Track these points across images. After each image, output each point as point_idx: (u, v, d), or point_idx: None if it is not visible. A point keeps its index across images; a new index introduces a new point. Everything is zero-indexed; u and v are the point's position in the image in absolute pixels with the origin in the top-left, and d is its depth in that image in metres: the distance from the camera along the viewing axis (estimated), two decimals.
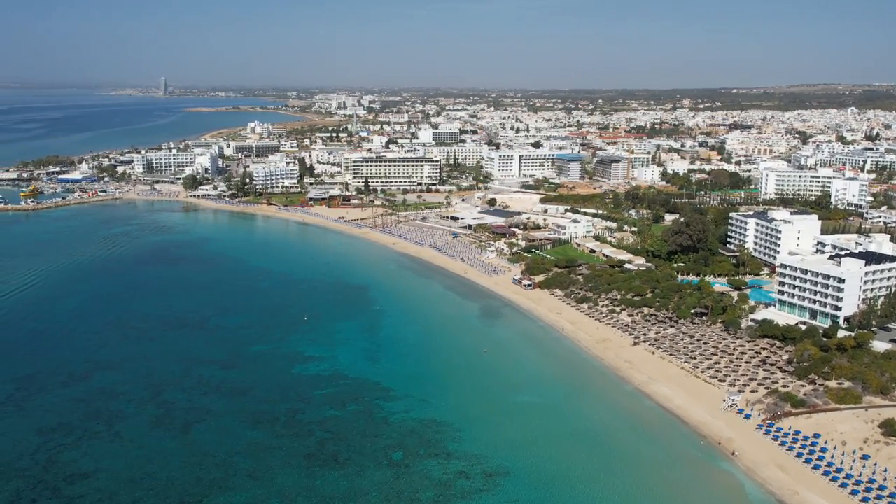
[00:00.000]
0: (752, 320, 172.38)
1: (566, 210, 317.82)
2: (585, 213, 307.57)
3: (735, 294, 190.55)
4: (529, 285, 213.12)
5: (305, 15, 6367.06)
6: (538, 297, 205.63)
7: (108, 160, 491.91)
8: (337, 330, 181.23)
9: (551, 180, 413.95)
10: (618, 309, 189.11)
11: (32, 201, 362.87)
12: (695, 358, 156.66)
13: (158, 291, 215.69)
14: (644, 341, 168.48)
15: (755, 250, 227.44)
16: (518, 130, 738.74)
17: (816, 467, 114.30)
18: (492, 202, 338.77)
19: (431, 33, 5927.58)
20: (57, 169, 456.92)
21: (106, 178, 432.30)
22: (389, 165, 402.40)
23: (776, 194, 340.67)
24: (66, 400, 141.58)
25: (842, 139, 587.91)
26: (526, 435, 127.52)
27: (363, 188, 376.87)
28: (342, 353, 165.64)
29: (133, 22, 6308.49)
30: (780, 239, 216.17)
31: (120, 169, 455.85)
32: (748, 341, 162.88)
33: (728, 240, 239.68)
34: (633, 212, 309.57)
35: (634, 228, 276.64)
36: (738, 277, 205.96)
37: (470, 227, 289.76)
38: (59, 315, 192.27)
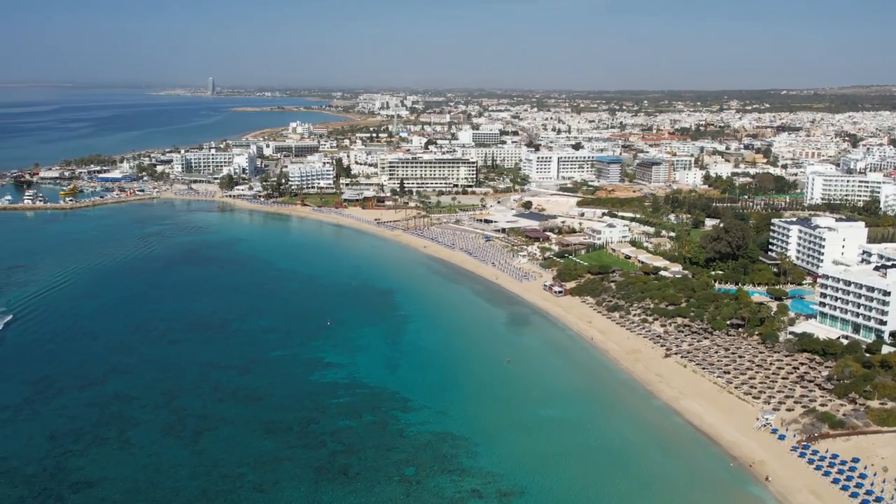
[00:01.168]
0: (791, 333, 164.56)
1: (603, 214, 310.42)
2: (623, 218, 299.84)
3: (774, 305, 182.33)
4: (560, 292, 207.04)
5: (353, 16, 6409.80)
6: (568, 304, 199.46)
7: (148, 159, 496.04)
8: (359, 335, 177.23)
9: (590, 183, 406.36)
10: (650, 318, 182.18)
11: (71, 200, 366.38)
12: (728, 372, 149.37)
13: (184, 293, 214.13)
14: (676, 353, 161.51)
15: (798, 258, 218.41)
16: (559, 132, 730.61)
17: (854, 495, 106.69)
18: (527, 205, 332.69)
19: (478, 34, 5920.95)
20: (98, 168, 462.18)
21: (145, 178, 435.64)
22: (425, 167, 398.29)
23: (823, 199, 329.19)
24: (80, 404, 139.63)
25: (894, 143, 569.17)
26: (545, 452, 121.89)
27: (398, 189, 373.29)
28: (362, 360, 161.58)
29: (183, 23, 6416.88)
30: (823, 247, 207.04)
31: (159, 168, 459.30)
32: (786, 356, 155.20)
33: (770, 247, 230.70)
34: (672, 216, 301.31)
35: (672, 234, 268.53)
36: (778, 287, 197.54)
37: (503, 230, 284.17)
38: (82, 316, 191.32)
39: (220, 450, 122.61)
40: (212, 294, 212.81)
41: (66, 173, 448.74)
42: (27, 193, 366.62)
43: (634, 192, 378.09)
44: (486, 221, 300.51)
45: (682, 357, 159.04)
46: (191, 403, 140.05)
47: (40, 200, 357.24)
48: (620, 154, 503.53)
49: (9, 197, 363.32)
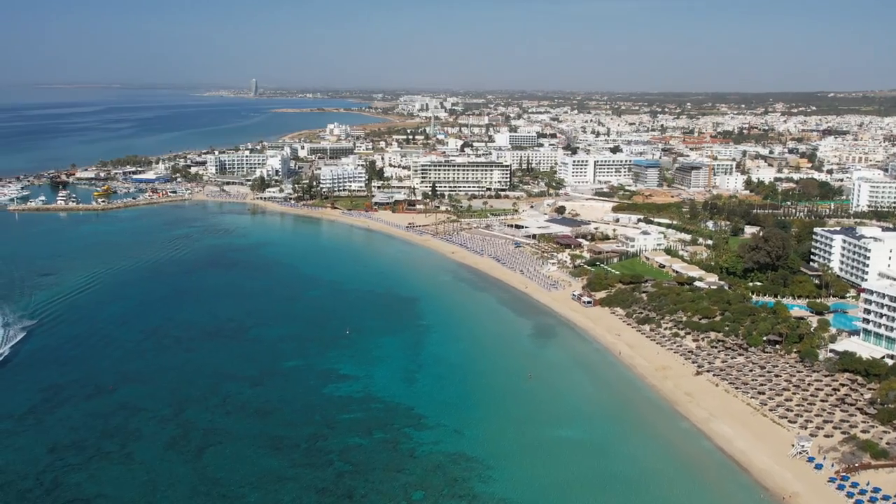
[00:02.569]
0: (831, 351, 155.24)
1: (639, 220, 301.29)
2: (659, 224, 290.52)
3: (815, 320, 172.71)
4: (589, 302, 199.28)
5: (395, 17, 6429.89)
6: (597, 315, 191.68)
7: (183, 161, 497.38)
8: (378, 346, 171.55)
9: (627, 187, 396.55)
10: (682, 332, 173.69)
11: (103, 201, 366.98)
12: (763, 393, 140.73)
13: (205, 298, 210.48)
14: (708, 371, 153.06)
15: (841, 270, 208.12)
16: (598, 134, 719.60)
17: None
18: (560, 210, 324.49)
19: (520, 35, 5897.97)
20: (133, 169, 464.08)
21: (178, 179, 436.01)
22: (458, 170, 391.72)
23: (869, 207, 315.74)
24: (86, 414, 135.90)
25: None
26: (563, 478, 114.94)
27: (430, 193, 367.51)
28: (378, 373, 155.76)
29: (229, 25, 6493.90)
30: (868, 259, 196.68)
31: (193, 170, 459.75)
32: (825, 375, 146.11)
33: (811, 257, 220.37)
34: (710, 223, 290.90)
35: (710, 241, 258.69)
36: (819, 300, 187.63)
37: (533, 236, 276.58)
38: (101, 321, 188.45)
39: (223, 467, 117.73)
40: (233, 299, 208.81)
41: (102, 174, 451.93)
42: (60, 194, 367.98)
43: (672, 197, 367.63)
44: (517, 227, 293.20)
45: (714, 375, 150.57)
46: (198, 416, 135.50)
47: (73, 201, 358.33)
48: (660, 158, 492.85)
49: (42, 197, 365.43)
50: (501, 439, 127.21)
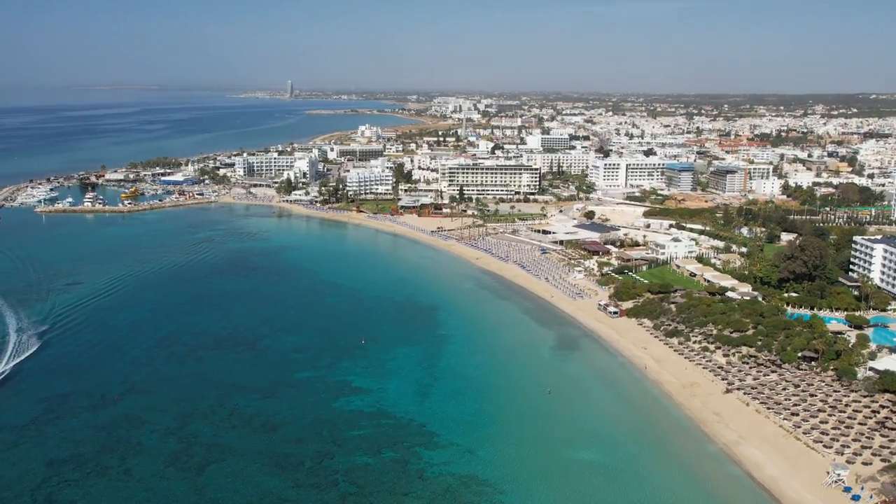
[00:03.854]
0: (871, 369, 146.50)
1: (670, 225, 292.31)
2: (691, 230, 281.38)
3: (853, 335, 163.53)
4: (615, 313, 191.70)
5: (432, 19, 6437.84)
6: (623, 326, 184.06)
7: (212, 162, 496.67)
8: (393, 357, 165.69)
9: (659, 192, 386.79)
10: (712, 346, 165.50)
11: (130, 203, 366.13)
12: (797, 414, 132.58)
13: (222, 304, 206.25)
14: (738, 388, 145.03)
15: (882, 281, 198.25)
16: (632, 137, 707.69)
17: None
18: (590, 215, 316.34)
19: (556, 37, 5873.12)
20: (162, 171, 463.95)
21: (206, 181, 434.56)
22: (486, 173, 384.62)
23: None
24: (88, 426, 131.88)
25: None
26: None
27: (458, 196, 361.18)
28: (392, 386, 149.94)
29: (266, 27, 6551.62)
30: None
31: (222, 171, 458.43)
32: (864, 396, 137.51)
33: (851, 267, 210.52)
34: (744, 230, 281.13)
35: (744, 249, 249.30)
36: (858, 314, 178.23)
37: (560, 242, 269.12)
38: (115, 327, 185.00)
39: (223, 486, 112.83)
40: (250, 306, 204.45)
41: (131, 175, 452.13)
42: (87, 196, 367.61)
43: (706, 202, 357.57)
44: (544, 232, 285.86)
45: (744, 393, 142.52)
46: (202, 430, 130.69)
47: (100, 203, 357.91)
48: (694, 161, 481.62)
49: (70, 199, 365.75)
50: (516, 461, 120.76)
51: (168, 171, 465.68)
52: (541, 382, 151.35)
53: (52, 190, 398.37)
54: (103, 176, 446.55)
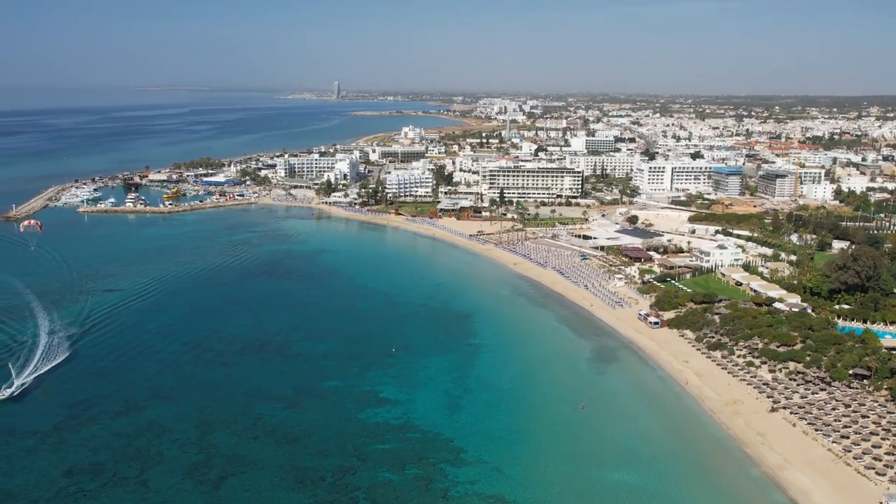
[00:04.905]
0: None
1: (717, 231, 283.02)
2: (738, 236, 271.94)
3: None
4: (656, 323, 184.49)
5: (478, 20, 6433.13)
6: (664, 338, 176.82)
7: (254, 163, 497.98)
8: (423, 366, 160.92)
9: (706, 196, 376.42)
10: (757, 361, 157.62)
11: (171, 203, 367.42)
12: (847, 437, 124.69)
13: (254, 309, 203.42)
14: (785, 407, 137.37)
15: None
16: (679, 139, 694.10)
17: None
18: (633, 219, 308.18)
19: (603, 38, 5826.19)
20: (204, 171, 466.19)
21: (247, 182, 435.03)
22: (528, 176, 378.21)
23: None
24: (110, 434, 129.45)
25: None
26: None
27: (498, 199, 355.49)
28: (420, 398, 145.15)
29: (315, 28, 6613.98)
30: None
31: (263, 173, 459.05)
32: None
33: None
34: (794, 237, 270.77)
35: (793, 257, 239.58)
36: None
37: (601, 248, 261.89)
38: (146, 331, 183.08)
39: (240, 500, 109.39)
40: (281, 311, 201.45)
41: (174, 176, 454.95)
42: (129, 196, 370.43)
43: (754, 207, 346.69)
44: (585, 237, 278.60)
45: (790, 413, 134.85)
46: (223, 440, 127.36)
47: (141, 203, 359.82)
48: (743, 164, 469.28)
49: (112, 199, 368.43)
50: (545, 481, 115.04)
51: (210, 171, 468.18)
52: (575, 396, 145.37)
53: (95, 190, 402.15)
54: (147, 176, 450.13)
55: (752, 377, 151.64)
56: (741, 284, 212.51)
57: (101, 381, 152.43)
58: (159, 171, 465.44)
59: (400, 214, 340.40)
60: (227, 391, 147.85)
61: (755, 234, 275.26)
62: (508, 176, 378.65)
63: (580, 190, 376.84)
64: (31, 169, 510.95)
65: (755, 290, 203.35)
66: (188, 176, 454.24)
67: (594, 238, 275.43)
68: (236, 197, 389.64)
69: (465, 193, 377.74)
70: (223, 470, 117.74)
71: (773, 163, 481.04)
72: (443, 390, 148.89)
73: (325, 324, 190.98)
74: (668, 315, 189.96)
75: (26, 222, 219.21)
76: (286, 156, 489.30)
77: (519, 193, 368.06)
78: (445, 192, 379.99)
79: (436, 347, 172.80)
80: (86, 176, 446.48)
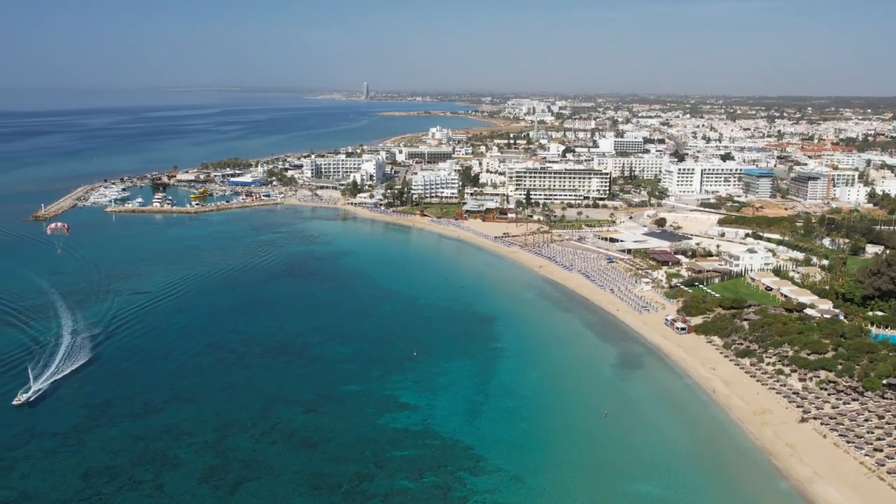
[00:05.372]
0: None
1: (746, 235, 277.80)
2: (769, 240, 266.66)
3: None
4: (683, 329, 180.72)
5: (507, 20, 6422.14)
6: (691, 344, 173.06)
7: (281, 164, 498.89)
8: (445, 371, 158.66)
9: (736, 198, 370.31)
10: (787, 369, 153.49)
11: (197, 203, 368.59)
12: (881, 450, 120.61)
13: (276, 310, 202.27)
14: (815, 418, 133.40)
15: None
16: (709, 140, 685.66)
17: None
18: (661, 222, 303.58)
19: (634, 37, 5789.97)
20: (231, 172, 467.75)
21: (274, 182, 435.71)
22: (554, 177, 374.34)
23: None
24: (128, 436, 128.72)
25: None
26: None
27: (524, 201, 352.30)
28: (441, 403, 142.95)
29: (344, 29, 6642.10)
30: None
31: (290, 173, 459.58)
32: None
33: None
34: (826, 241, 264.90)
35: (825, 262, 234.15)
36: None
37: (628, 251, 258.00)
38: (167, 332, 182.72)
39: None
40: (303, 312, 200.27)
41: (202, 176, 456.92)
42: (157, 196, 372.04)
43: (786, 210, 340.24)
44: (612, 240, 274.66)
45: (821, 424, 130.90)
46: (241, 445, 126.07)
47: (168, 203, 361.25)
48: (774, 166, 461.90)
49: (140, 199, 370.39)
50: (566, 491, 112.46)
51: (238, 172, 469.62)
52: (599, 404, 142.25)
53: (124, 190, 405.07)
54: (175, 176, 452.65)
55: (781, 386, 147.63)
56: (771, 289, 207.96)
57: (122, 382, 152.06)
58: (187, 171, 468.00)
59: (425, 216, 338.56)
60: (246, 394, 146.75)
61: (786, 238, 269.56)
62: (535, 177, 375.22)
63: (608, 192, 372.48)
64: (61, 168, 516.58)
65: (786, 296, 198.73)
66: (215, 176, 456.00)
67: (621, 241, 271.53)
68: (262, 197, 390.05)
69: (491, 195, 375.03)
70: (239, 475, 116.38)
71: (806, 165, 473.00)
72: (464, 396, 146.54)
73: (348, 326, 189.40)
74: (696, 320, 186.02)
75: (53, 225, 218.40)
76: (313, 156, 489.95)
77: (545, 195, 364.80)
78: (471, 194, 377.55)
79: (458, 351, 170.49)
80: (115, 175, 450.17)
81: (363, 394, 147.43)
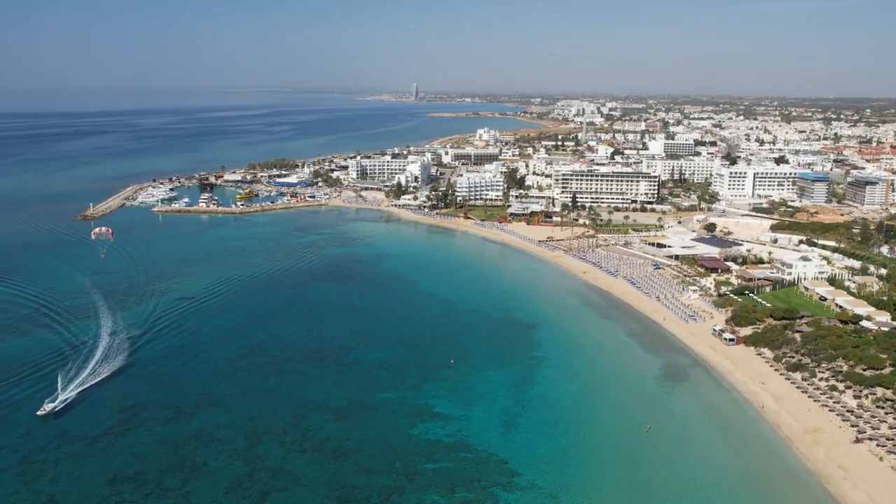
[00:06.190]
0: None
1: (800, 241, 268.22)
2: (823, 247, 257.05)
3: None
4: (731, 340, 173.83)
5: (557, 22, 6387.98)
6: (740, 356, 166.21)
7: (327, 165, 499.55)
8: (482, 380, 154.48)
9: (789, 203, 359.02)
10: (841, 385, 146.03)
11: (242, 204, 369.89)
12: None
13: (314, 314, 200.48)
14: (871, 438, 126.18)
15: None
16: (763, 143, 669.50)
17: None
18: (710, 227, 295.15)
19: (687, 38, 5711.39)
20: (277, 172, 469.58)
21: (319, 183, 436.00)
22: (601, 180, 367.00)
23: None
24: (157, 441, 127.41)
25: None
26: None
27: (570, 204, 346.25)
28: (476, 414, 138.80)
29: (395, 30, 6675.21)
30: None
31: (335, 174, 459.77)
32: None
33: None
34: (884, 248, 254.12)
35: (884, 271, 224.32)
36: None
37: (676, 257, 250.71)
38: (204, 334, 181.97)
39: None
40: (340, 317, 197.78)
41: (248, 176, 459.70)
42: (203, 196, 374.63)
43: (842, 215, 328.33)
44: (659, 245, 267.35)
45: (878, 445, 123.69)
46: (271, 452, 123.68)
47: (214, 203, 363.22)
48: (830, 170, 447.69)
49: (186, 199, 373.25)
50: None
51: (284, 172, 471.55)
52: (640, 418, 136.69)
53: (171, 190, 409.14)
54: (222, 176, 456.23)
55: (834, 403, 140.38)
56: (825, 300, 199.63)
57: (156, 385, 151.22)
58: (234, 172, 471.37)
59: (469, 218, 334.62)
60: (278, 400, 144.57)
61: (842, 245, 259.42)
62: (581, 180, 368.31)
63: (656, 195, 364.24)
64: (113, 168, 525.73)
65: (841, 307, 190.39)
66: (262, 176, 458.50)
67: (669, 246, 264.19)
68: (307, 198, 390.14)
69: (537, 197, 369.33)
70: (267, 485, 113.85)
71: (863, 169, 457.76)
72: (500, 407, 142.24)
73: (384, 331, 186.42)
74: (745, 331, 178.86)
75: (98, 230, 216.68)
76: (358, 157, 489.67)
77: (592, 198, 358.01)
78: (516, 196, 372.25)
79: (496, 360, 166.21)
80: (164, 175, 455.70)
81: (397, 402, 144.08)
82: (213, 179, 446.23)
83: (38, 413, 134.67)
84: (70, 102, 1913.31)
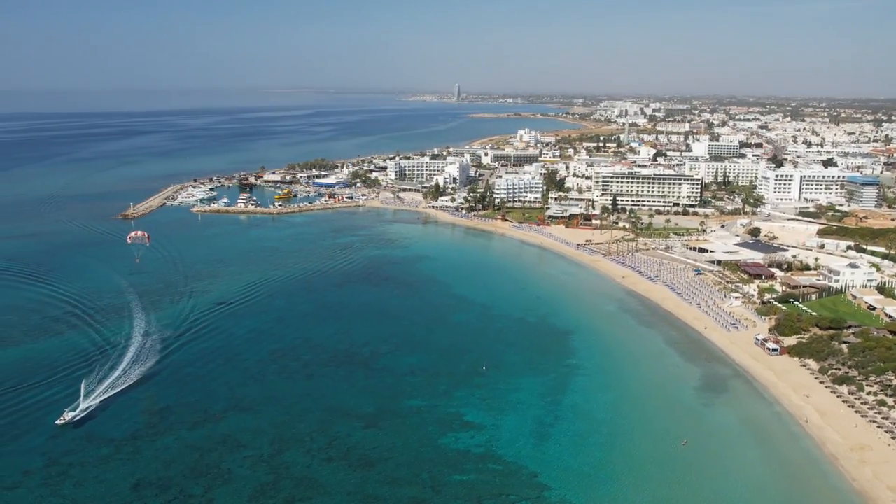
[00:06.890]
0: None
1: (848, 247, 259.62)
2: (873, 254, 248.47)
3: None
4: (775, 350, 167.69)
5: (600, 22, 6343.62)
6: (783, 367, 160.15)
7: (366, 165, 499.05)
8: (514, 388, 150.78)
9: (837, 207, 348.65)
10: (890, 401, 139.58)
11: (280, 204, 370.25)
12: None
13: (346, 317, 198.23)
14: None
15: None
16: (810, 145, 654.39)
17: None
18: (754, 232, 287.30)
19: (733, 38, 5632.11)
20: (316, 173, 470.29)
21: (357, 184, 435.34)
22: (643, 182, 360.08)
23: None
24: (183, 445, 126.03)
25: None
26: None
27: (610, 207, 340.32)
28: (507, 424, 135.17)
29: (438, 31, 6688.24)
30: None
31: (374, 175, 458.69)
32: None
33: None
34: None
35: None
36: None
37: (718, 262, 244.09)
38: (236, 336, 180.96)
39: None
40: (373, 320, 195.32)
41: (287, 177, 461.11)
42: (241, 196, 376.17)
43: (893, 220, 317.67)
44: (701, 250, 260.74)
45: None
46: (296, 460, 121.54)
47: (252, 203, 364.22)
48: (881, 173, 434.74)
49: (225, 199, 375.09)
50: None
51: (323, 173, 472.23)
52: (677, 431, 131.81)
53: (211, 189, 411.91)
54: (261, 177, 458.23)
55: (883, 419, 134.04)
56: (874, 309, 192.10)
57: (184, 388, 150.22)
58: (274, 172, 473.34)
59: (507, 220, 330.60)
60: (306, 405, 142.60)
61: (892, 252, 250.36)
62: (622, 182, 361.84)
63: (699, 198, 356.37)
64: (156, 168, 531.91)
65: (891, 317, 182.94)
66: (301, 177, 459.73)
67: (711, 251, 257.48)
68: (345, 199, 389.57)
69: (576, 200, 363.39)
70: (291, 494, 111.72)
71: None
72: (532, 416, 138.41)
73: (416, 336, 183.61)
74: (789, 341, 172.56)
75: (133, 234, 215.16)
76: (397, 158, 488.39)
77: (633, 201, 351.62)
78: (555, 198, 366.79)
79: (529, 367, 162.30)
80: (205, 175, 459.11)
81: (426, 410, 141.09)
82: (252, 179, 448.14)
83: (58, 422, 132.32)
84: (122, 102, 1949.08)
